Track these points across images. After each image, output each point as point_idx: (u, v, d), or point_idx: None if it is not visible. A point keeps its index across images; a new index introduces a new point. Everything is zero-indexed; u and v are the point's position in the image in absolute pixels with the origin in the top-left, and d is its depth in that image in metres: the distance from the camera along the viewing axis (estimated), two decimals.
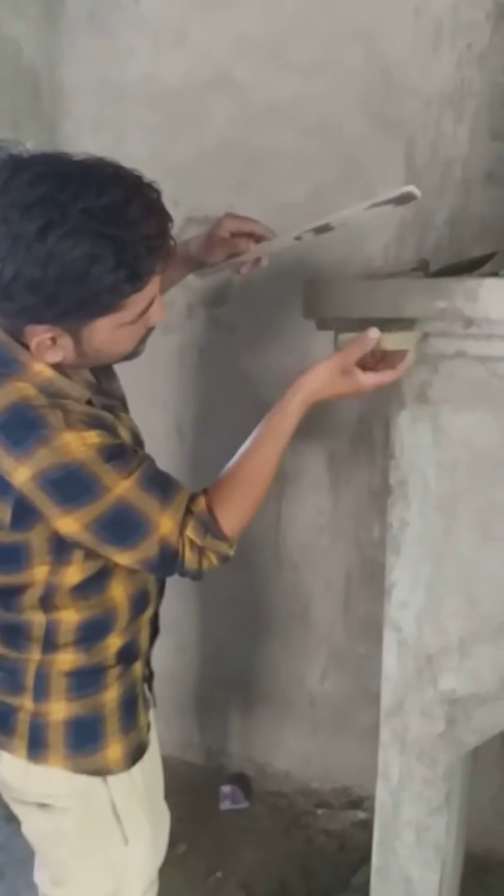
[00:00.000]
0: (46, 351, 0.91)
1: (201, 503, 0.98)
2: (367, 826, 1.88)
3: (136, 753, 1.09)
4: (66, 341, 0.91)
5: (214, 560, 0.99)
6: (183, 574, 1.00)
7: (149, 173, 1.95)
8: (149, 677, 1.18)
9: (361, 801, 1.97)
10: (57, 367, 0.94)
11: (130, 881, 1.13)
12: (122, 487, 0.91)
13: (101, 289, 0.86)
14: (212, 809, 1.97)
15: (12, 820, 1.99)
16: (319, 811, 1.97)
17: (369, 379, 0.98)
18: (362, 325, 1.05)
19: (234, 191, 1.75)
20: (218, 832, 1.90)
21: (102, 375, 1.07)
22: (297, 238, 1.09)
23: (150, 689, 1.19)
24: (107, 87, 1.82)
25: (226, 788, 2.00)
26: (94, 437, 0.91)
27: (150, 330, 0.99)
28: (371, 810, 1.87)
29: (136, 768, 1.09)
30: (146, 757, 1.12)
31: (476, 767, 1.62)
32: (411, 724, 1.13)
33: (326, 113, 1.65)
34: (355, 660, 1.91)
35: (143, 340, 1.00)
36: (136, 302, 0.91)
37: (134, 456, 0.96)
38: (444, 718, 1.11)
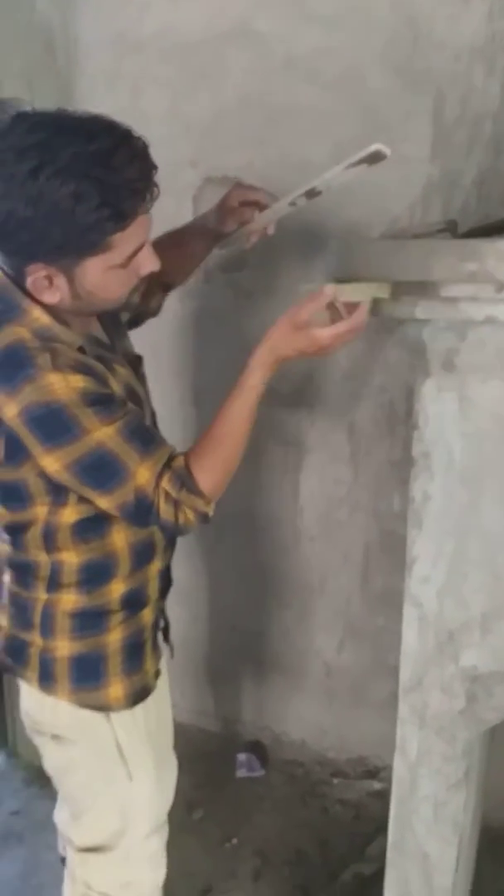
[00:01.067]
0: (44, 291, 0.97)
1: (180, 460, 1.04)
2: (382, 796, 1.88)
3: (138, 695, 1.16)
4: (61, 282, 0.97)
5: (191, 516, 1.03)
6: (162, 527, 1.05)
7: (166, 131, 1.90)
8: (164, 627, 1.25)
9: (377, 772, 1.97)
10: (58, 316, 1.00)
11: (136, 820, 1.19)
12: (102, 433, 0.96)
13: (86, 226, 0.91)
14: (228, 777, 1.99)
15: (31, 784, 2.04)
16: (335, 780, 1.98)
17: (324, 332, 0.99)
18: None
19: (253, 149, 1.69)
20: (234, 799, 1.92)
21: (113, 332, 1.13)
22: (292, 204, 1.12)
23: (167, 638, 1.27)
24: (122, 41, 1.75)
25: (242, 756, 2.02)
26: (78, 381, 0.96)
27: (142, 280, 1.04)
28: (387, 781, 1.87)
29: (140, 709, 1.16)
30: (151, 702, 1.18)
31: (494, 742, 1.60)
32: (431, 700, 1.11)
33: (350, 66, 1.57)
34: (373, 632, 1.90)
35: (136, 289, 1.06)
36: (122, 243, 0.96)
37: (119, 406, 1.00)
38: (465, 695, 1.09)
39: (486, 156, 1.51)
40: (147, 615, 1.17)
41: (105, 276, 0.98)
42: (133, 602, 1.14)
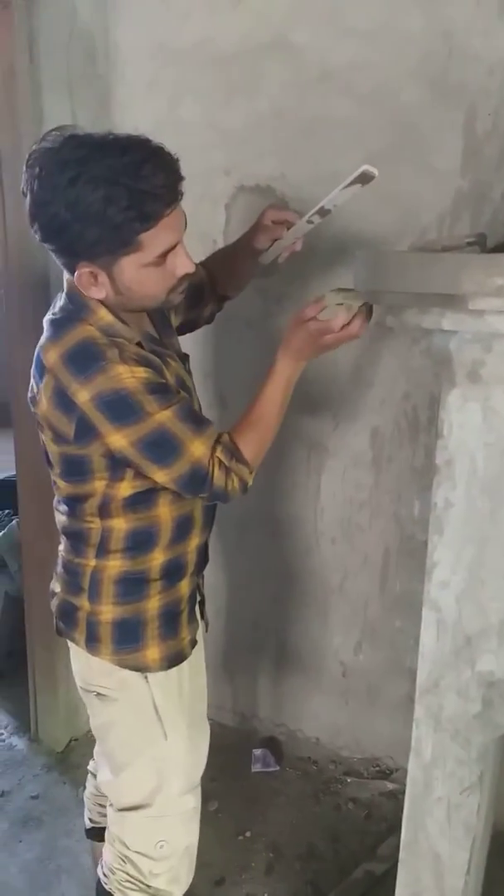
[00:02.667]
0: (90, 286, 1.11)
1: (226, 436, 1.20)
2: (395, 797, 1.91)
3: (173, 659, 1.27)
4: (104, 279, 1.11)
5: (237, 484, 1.18)
6: (212, 494, 1.18)
7: (201, 140, 1.94)
8: (200, 602, 1.37)
9: (390, 773, 2.00)
10: (117, 315, 1.15)
11: (170, 778, 1.30)
12: (162, 415, 1.11)
13: (116, 225, 1.04)
14: (243, 771, 2.03)
15: (52, 769, 2.09)
16: (348, 779, 2.01)
17: (312, 325, 1.15)
18: (414, 299, 1.03)
19: (287, 159, 1.72)
20: (249, 793, 1.95)
21: (162, 330, 1.28)
22: (309, 222, 1.23)
23: (202, 613, 1.39)
24: (162, 51, 1.80)
25: (257, 751, 2.05)
26: (142, 372, 1.11)
27: (180, 280, 1.14)
28: (399, 782, 1.90)
29: (174, 673, 1.27)
30: (187, 669, 1.30)
31: None
32: (446, 703, 1.13)
33: (384, 79, 1.60)
34: (390, 634, 1.92)
35: (173, 289, 1.15)
36: (152, 242, 1.08)
37: (174, 394, 1.16)
38: (481, 700, 1.11)
39: None
40: (184, 587, 1.29)
41: (140, 273, 1.10)
42: (172, 572, 1.26)
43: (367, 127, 1.63)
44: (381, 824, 1.86)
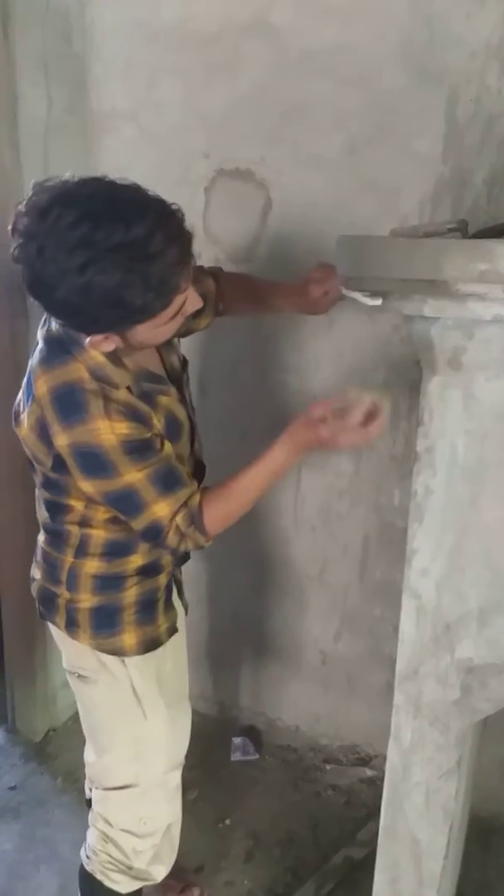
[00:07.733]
0: (99, 345, 1.09)
1: (196, 499, 1.19)
2: (374, 783, 1.92)
3: (149, 644, 1.31)
4: (115, 339, 1.09)
5: (190, 545, 1.21)
6: (164, 548, 1.23)
7: (180, 122, 1.90)
8: (178, 586, 1.40)
9: (370, 760, 2.01)
10: (109, 356, 1.12)
11: (153, 757, 1.34)
12: (132, 476, 1.12)
13: (134, 309, 1.03)
14: (223, 760, 2.03)
15: (29, 760, 2.07)
16: (328, 766, 2.02)
17: (323, 431, 1.14)
18: (396, 285, 1.02)
19: (267, 143, 1.70)
20: (228, 781, 1.96)
21: (164, 350, 1.26)
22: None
23: (181, 594, 1.42)
24: (139, 30, 1.76)
25: (237, 740, 2.05)
26: (123, 428, 1.10)
27: (188, 318, 1.15)
28: (378, 768, 1.91)
29: (152, 658, 1.31)
30: (167, 652, 1.34)
31: (485, 732, 1.63)
32: (426, 689, 1.13)
33: (365, 62, 1.58)
34: (369, 622, 1.93)
35: (181, 326, 1.15)
36: (169, 308, 1.07)
37: (155, 452, 1.15)
38: (460, 686, 1.11)
39: (499, 156, 1.52)
40: (161, 579, 1.33)
41: (154, 331, 1.10)
42: (148, 570, 1.30)
43: (347, 111, 1.61)
44: (361, 810, 1.87)
